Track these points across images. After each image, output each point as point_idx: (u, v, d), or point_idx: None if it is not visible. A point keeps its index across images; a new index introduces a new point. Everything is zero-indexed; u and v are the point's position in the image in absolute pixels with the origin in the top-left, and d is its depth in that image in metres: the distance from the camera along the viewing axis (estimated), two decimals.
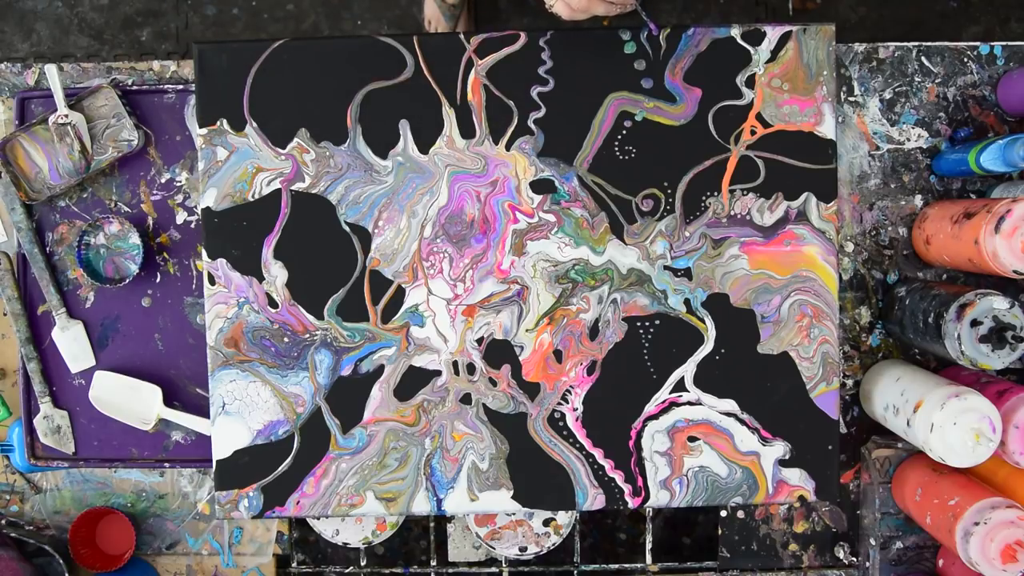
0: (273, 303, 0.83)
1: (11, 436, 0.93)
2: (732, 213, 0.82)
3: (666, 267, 0.82)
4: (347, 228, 0.82)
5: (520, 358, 0.83)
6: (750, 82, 0.81)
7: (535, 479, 0.83)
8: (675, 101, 0.82)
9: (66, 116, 0.88)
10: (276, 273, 0.83)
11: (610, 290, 0.82)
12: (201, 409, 0.91)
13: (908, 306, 0.84)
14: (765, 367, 0.82)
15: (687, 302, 0.82)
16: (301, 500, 0.83)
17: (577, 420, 0.83)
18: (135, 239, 0.90)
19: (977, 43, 0.89)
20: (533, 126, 0.82)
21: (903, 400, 0.81)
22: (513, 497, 0.83)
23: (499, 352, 0.83)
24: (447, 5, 1.46)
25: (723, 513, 0.93)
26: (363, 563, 0.97)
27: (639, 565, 0.96)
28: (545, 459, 0.83)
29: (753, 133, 0.82)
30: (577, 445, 0.83)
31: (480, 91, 0.82)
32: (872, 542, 0.90)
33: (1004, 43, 0.89)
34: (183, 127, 0.91)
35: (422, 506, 0.83)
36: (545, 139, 0.82)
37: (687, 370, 0.82)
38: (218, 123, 0.82)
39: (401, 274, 0.83)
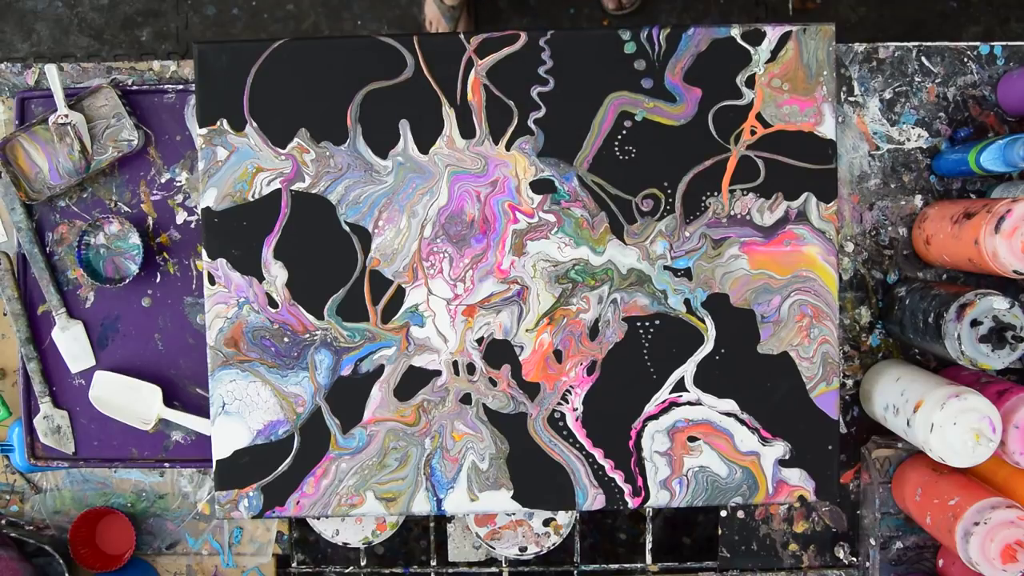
0: (273, 303, 0.83)
1: (11, 436, 0.93)
2: (732, 213, 0.82)
3: (666, 267, 0.82)
4: (347, 228, 0.82)
5: (520, 358, 0.83)
6: (750, 82, 0.81)
7: (535, 479, 0.83)
8: (675, 101, 0.82)
9: (66, 116, 0.88)
10: (276, 273, 0.83)
11: (610, 290, 0.82)
12: (201, 409, 0.91)
13: (908, 306, 0.84)
14: (765, 367, 0.82)
15: (687, 302, 0.82)
16: (301, 500, 0.83)
17: (577, 420, 0.83)
18: (135, 239, 0.90)
19: (977, 43, 0.89)
20: (533, 126, 0.82)
21: (903, 400, 0.81)
22: (513, 497, 0.83)
23: (499, 352, 0.83)
24: (447, 6, 1.46)
25: (723, 513, 0.93)
26: (363, 563, 0.97)
27: (639, 565, 0.96)
28: (545, 459, 0.83)
29: (753, 133, 0.82)
30: (577, 445, 0.83)
31: (480, 91, 0.82)
32: (872, 542, 0.90)
33: (1004, 43, 0.89)
34: (183, 127, 0.91)
35: (422, 506, 0.83)
36: (545, 139, 0.82)
37: (687, 370, 0.82)
38: (218, 123, 0.82)
39: (401, 274, 0.83)
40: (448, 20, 1.49)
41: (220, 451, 0.83)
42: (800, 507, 0.93)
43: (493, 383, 0.83)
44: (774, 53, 0.81)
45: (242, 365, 0.83)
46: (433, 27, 1.51)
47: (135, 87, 0.91)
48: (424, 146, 0.82)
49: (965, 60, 0.89)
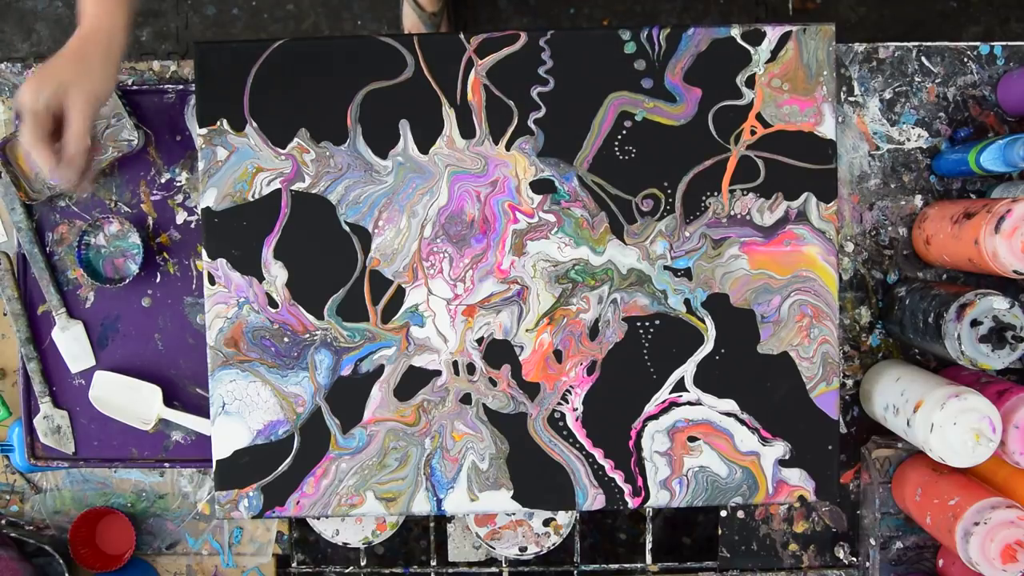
0: (273, 303, 0.83)
1: (11, 436, 0.93)
2: (732, 213, 0.82)
3: (666, 267, 0.82)
4: (347, 228, 0.82)
5: (520, 358, 0.83)
6: (750, 82, 0.81)
7: (535, 479, 0.83)
8: (675, 101, 0.82)
9: None
10: (276, 273, 0.83)
11: (610, 290, 0.82)
12: (201, 409, 0.91)
13: (908, 306, 0.84)
14: (765, 367, 0.82)
15: (687, 302, 0.82)
16: (301, 500, 0.83)
17: (577, 420, 0.83)
18: (135, 239, 0.90)
19: (977, 43, 0.89)
20: (533, 126, 0.82)
21: (903, 400, 0.81)
22: (513, 497, 0.83)
23: (499, 352, 0.83)
24: (427, 14, 1.46)
25: (723, 513, 0.93)
26: (363, 563, 0.97)
27: (639, 565, 0.96)
28: (545, 459, 0.83)
29: (753, 133, 0.82)
30: (577, 445, 0.83)
31: (480, 91, 0.82)
32: (872, 542, 0.90)
33: (1004, 43, 0.89)
34: (183, 127, 0.91)
35: (422, 506, 0.83)
36: (545, 139, 0.82)
37: (687, 370, 0.82)
38: (218, 123, 0.82)
39: (401, 274, 0.83)
40: (428, 28, 1.48)
41: (220, 451, 0.83)
42: (800, 507, 0.93)
43: (493, 383, 0.83)
44: (774, 53, 0.81)
45: (242, 365, 0.83)
46: None
47: (135, 87, 0.91)
48: (424, 146, 0.82)
49: (965, 60, 0.89)
